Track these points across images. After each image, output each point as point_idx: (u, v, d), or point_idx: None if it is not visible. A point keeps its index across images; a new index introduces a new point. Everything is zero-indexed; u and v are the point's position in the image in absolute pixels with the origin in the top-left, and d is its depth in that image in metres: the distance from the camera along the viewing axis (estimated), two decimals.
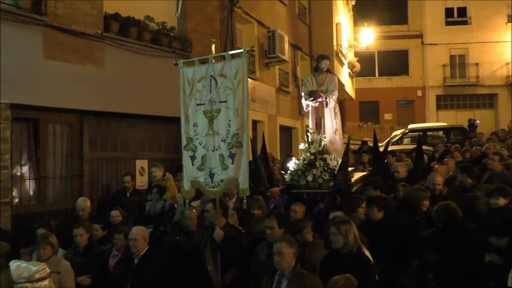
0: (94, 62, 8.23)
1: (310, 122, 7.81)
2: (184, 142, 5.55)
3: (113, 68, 8.52)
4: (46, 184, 7.77)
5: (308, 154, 7.22)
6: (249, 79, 12.35)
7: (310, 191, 6.97)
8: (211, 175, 5.28)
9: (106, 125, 8.83)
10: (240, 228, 5.64)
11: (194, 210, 6.19)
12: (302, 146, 7.46)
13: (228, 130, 5.12)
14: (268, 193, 6.87)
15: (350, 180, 7.08)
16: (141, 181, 9.19)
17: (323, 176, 6.96)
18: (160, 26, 9.60)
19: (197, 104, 5.40)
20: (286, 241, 4.20)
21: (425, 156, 9.75)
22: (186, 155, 5.53)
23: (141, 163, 9.41)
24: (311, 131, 7.47)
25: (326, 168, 7.03)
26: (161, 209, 7.20)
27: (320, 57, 8.29)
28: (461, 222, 5.14)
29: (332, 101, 7.77)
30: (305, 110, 8.01)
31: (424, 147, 11.82)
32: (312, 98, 7.68)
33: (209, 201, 5.80)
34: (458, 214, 5.14)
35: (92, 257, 5.87)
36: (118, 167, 8.99)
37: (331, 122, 7.83)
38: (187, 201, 5.79)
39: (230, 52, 5.31)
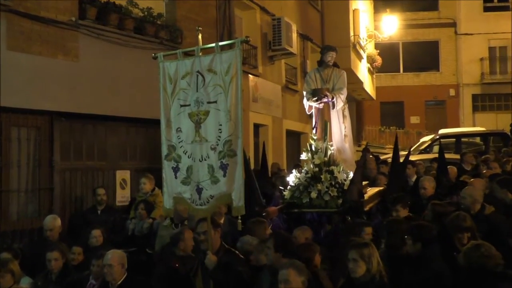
0: (67, 54, 8.23)
1: (314, 127, 7.71)
2: (165, 150, 5.49)
3: (89, 61, 8.52)
4: (9, 199, 7.73)
5: (311, 165, 7.11)
6: (250, 75, 12.57)
7: (314, 211, 6.86)
8: (199, 190, 5.19)
9: (81, 129, 8.83)
10: (237, 252, 5.55)
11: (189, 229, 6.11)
12: (304, 156, 7.37)
13: (219, 137, 5.04)
14: (264, 214, 6.70)
15: (363, 197, 6.94)
16: (122, 196, 9.17)
17: (330, 192, 6.85)
18: (145, 13, 9.59)
19: (181, 106, 5.34)
20: (295, 268, 4.18)
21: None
22: (167, 167, 5.47)
23: (122, 174, 9.38)
24: (315, 137, 7.38)
25: (333, 183, 6.92)
26: (148, 228, 7.16)
27: (325, 48, 8.18)
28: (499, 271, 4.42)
29: (340, 102, 7.67)
30: (307, 113, 7.91)
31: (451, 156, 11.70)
32: (316, 98, 7.58)
33: (199, 221, 5.72)
34: (494, 261, 4.43)
35: (67, 286, 5.80)
36: (94, 178, 8.97)
37: (339, 127, 7.72)
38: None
39: (221, 43, 5.24)
